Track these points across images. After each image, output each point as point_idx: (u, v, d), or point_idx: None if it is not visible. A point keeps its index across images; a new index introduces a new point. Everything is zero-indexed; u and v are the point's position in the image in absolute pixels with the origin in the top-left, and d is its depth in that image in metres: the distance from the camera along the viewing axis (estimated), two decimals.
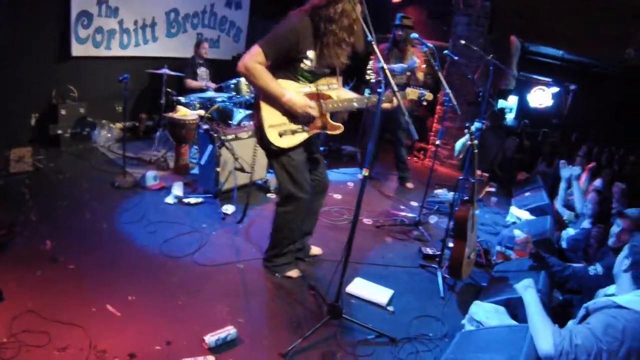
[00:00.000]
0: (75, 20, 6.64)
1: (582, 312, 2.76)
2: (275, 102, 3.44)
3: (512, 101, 13.85)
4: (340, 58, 3.47)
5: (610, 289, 2.91)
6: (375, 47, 3.03)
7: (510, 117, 13.49)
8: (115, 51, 7.35)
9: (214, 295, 3.58)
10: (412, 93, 3.97)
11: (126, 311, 3.21)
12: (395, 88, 3.10)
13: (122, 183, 5.36)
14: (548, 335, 2.52)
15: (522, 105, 13.96)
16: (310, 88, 3.57)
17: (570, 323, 2.70)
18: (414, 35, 5.60)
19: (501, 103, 12.58)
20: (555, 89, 13.27)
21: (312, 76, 3.56)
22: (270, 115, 3.50)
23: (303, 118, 3.55)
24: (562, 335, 2.48)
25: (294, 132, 3.57)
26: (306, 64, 3.45)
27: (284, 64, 3.44)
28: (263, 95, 3.46)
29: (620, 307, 2.50)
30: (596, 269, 3.44)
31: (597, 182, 5.70)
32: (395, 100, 3.42)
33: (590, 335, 2.42)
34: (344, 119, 7.67)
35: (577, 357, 2.39)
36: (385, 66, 3.01)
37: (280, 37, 3.33)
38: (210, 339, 2.96)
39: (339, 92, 3.74)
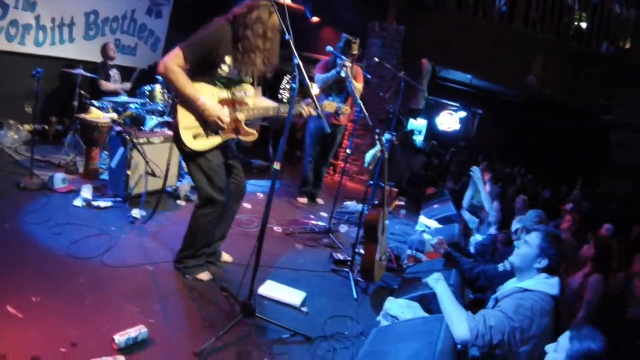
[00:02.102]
0: None
1: (491, 303, 2.96)
2: (190, 106, 3.47)
3: (421, 123, 14.41)
4: (255, 64, 3.53)
5: (511, 282, 3.11)
6: (292, 44, 3.10)
7: (419, 139, 14.02)
8: (29, 48, 7.01)
9: (123, 296, 3.41)
10: (329, 106, 4.07)
11: (29, 312, 2.96)
12: (309, 83, 3.20)
13: (28, 184, 5.04)
14: (463, 321, 2.66)
15: (431, 128, 14.56)
16: (227, 94, 3.62)
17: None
18: (329, 48, 5.76)
19: (411, 124, 13.07)
20: (463, 114, 13.96)
21: (229, 82, 3.61)
22: (185, 118, 3.51)
23: (213, 126, 3.58)
24: (476, 320, 2.63)
25: (207, 135, 3.59)
26: (224, 70, 3.51)
27: (203, 68, 3.49)
28: (180, 97, 3.49)
29: (526, 290, 2.72)
30: (505, 266, 3.65)
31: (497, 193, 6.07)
32: (304, 113, 3.63)
33: (503, 316, 2.59)
34: (257, 132, 7.69)
35: (492, 337, 2.55)
36: (300, 63, 3.10)
37: (201, 41, 3.39)
38: (119, 338, 2.80)
39: (255, 100, 3.81)
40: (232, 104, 3.64)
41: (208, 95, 3.49)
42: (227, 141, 3.78)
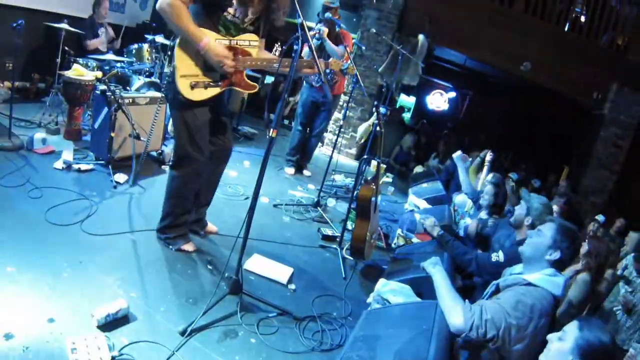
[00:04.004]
0: None
1: (491, 288, 2.86)
2: (191, 50, 3.21)
3: (410, 101, 14.31)
4: (256, 6, 3.35)
5: (516, 268, 3.01)
6: (296, 1, 2.95)
7: (407, 116, 13.94)
8: None
9: (103, 267, 3.25)
10: (335, 64, 3.89)
11: (3, 284, 2.78)
12: (313, 44, 3.06)
13: (6, 145, 4.75)
14: (459, 311, 2.57)
15: (419, 106, 14.45)
16: (230, 41, 3.36)
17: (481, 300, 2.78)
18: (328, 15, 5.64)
19: (401, 101, 12.96)
20: (452, 94, 13.86)
21: (234, 28, 3.37)
22: (184, 65, 3.26)
23: (216, 68, 3.32)
24: (472, 310, 2.53)
25: (206, 86, 3.36)
26: (229, 12, 3.27)
27: (207, 10, 3.23)
28: (180, 39, 3.22)
29: (530, 284, 2.61)
30: (498, 256, 3.55)
31: (492, 176, 5.96)
32: (316, 67, 3.38)
33: (500, 310, 2.49)
34: (244, 99, 7.55)
35: (486, 331, 2.45)
36: (303, 22, 2.94)
37: None
38: (99, 315, 2.64)
39: (259, 52, 3.58)
40: (235, 52, 3.39)
41: (211, 39, 3.23)
42: (220, 96, 3.57)
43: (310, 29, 5.62)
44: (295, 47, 2.96)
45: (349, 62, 4.19)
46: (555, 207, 5.52)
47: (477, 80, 12.51)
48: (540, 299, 2.54)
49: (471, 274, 3.91)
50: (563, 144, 10.72)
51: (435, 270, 2.97)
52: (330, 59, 3.78)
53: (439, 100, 14.07)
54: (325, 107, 6.61)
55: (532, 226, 3.84)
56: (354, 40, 6.55)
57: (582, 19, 9.07)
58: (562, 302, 3.32)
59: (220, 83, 3.43)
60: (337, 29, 5.76)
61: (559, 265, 2.74)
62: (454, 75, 12.76)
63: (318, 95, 6.48)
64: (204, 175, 3.74)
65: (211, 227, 4.25)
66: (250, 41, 3.46)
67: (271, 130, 2.96)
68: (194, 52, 3.22)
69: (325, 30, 5.85)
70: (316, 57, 3.21)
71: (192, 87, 3.30)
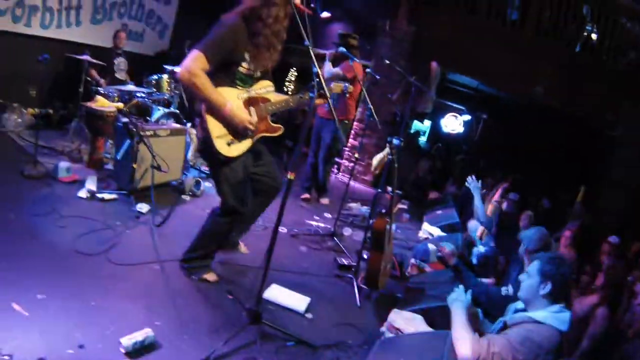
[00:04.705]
0: None
1: (498, 325, 2.94)
2: (218, 113, 3.35)
3: (425, 125, 14.38)
4: (270, 60, 3.51)
5: (520, 303, 3.08)
6: (311, 51, 3.04)
7: (422, 139, 14.01)
8: (35, 30, 6.95)
9: (129, 296, 3.39)
10: (337, 87, 4.03)
11: (35, 311, 2.91)
12: (328, 93, 3.21)
13: (32, 172, 4.98)
14: (467, 342, 2.65)
15: (435, 130, 14.51)
16: (250, 93, 3.53)
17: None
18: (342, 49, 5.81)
19: (415, 125, 13.04)
20: (467, 117, 13.90)
21: (249, 80, 3.52)
22: (215, 127, 3.40)
23: (242, 132, 3.48)
24: (480, 343, 2.62)
25: (241, 140, 3.52)
26: (244, 67, 3.42)
27: (222, 70, 3.36)
28: (206, 106, 3.35)
29: (536, 322, 2.68)
30: (508, 290, 3.63)
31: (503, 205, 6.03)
32: (317, 102, 3.53)
33: (508, 344, 2.57)
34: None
35: None
36: (319, 72, 3.09)
37: (220, 40, 3.24)
38: (127, 342, 2.77)
39: (274, 95, 3.74)
40: (257, 102, 3.56)
41: (233, 98, 3.38)
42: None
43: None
44: (310, 95, 3.12)
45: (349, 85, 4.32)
46: (567, 233, 5.56)
47: (490, 102, 12.58)
48: (549, 337, 2.61)
49: (480, 304, 3.97)
50: (576, 164, 10.71)
51: (455, 303, 3.06)
52: (332, 84, 3.94)
53: (453, 123, 14.11)
54: (324, 132, 6.74)
55: (528, 251, 3.91)
56: (368, 70, 6.71)
57: (594, 36, 9.07)
58: (564, 335, 3.35)
59: (251, 134, 3.57)
60: (350, 63, 5.93)
61: (557, 295, 2.75)
62: (468, 98, 12.86)
63: (319, 120, 6.71)
64: (246, 218, 3.92)
65: (243, 248, 4.51)
66: (266, 88, 3.65)
67: (288, 172, 3.12)
68: (221, 114, 3.36)
69: (332, 53, 6.12)
70: (325, 85, 3.33)
71: (229, 144, 3.46)
